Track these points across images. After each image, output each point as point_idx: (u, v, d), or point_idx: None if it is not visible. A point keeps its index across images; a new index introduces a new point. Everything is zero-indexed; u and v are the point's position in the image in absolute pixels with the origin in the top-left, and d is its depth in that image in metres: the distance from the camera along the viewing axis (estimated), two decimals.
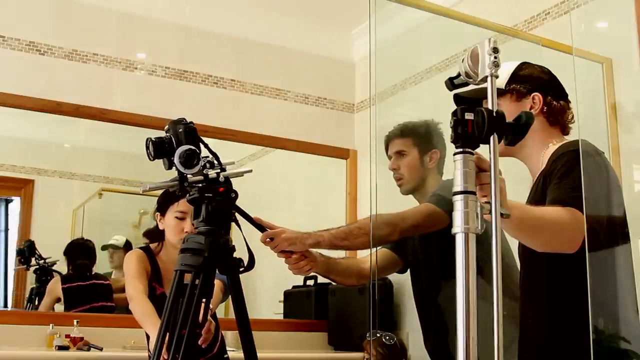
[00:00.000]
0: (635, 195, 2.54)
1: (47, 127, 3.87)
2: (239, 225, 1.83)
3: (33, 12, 3.66)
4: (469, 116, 1.16)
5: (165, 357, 1.70)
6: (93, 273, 3.72)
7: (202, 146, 1.75)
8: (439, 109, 2.25)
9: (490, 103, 1.19)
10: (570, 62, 1.97)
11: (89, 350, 3.12)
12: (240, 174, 1.82)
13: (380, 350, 3.15)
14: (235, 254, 1.79)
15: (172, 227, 2.41)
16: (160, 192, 2.47)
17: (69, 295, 3.60)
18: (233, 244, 1.79)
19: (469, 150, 1.16)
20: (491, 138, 1.17)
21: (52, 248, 3.74)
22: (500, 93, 1.77)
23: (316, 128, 4.30)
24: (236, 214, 1.83)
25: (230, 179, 1.78)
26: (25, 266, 3.67)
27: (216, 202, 1.74)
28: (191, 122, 1.77)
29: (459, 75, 1.33)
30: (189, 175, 1.74)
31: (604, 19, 2.85)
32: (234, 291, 1.77)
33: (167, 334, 1.72)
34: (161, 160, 1.78)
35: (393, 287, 3.69)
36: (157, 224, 2.50)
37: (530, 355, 1.71)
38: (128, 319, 3.53)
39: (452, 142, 1.18)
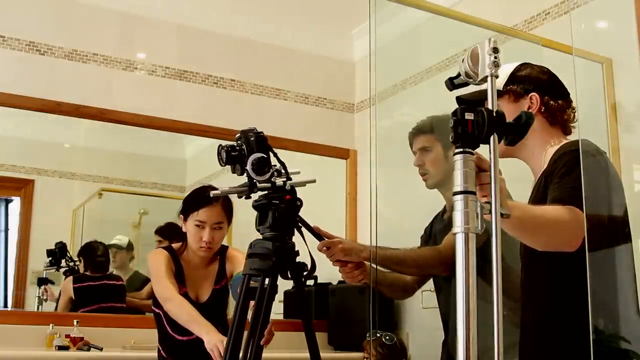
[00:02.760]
0: (635, 195, 2.54)
1: (47, 127, 3.87)
2: (301, 232, 1.89)
3: (33, 12, 3.66)
4: (469, 116, 1.16)
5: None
6: (107, 273, 3.76)
7: (271, 155, 1.83)
8: (439, 109, 2.25)
9: (490, 103, 1.19)
10: (570, 62, 1.97)
11: (89, 350, 3.13)
12: (303, 184, 1.88)
13: (380, 350, 3.15)
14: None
15: (191, 234, 2.45)
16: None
17: (79, 295, 3.63)
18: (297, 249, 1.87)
19: (469, 150, 1.16)
20: (491, 138, 1.17)
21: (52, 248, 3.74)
22: (498, 94, 1.77)
23: (316, 128, 4.30)
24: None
25: (295, 188, 1.85)
26: (55, 267, 3.70)
27: (282, 209, 1.81)
28: (261, 132, 1.84)
29: (459, 75, 1.33)
30: (256, 182, 1.81)
31: (604, 19, 2.85)
32: (299, 294, 1.87)
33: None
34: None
35: None
36: (181, 225, 2.53)
37: (530, 355, 1.71)
38: (128, 319, 3.56)
39: (452, 142, 1.17)
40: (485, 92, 1.21)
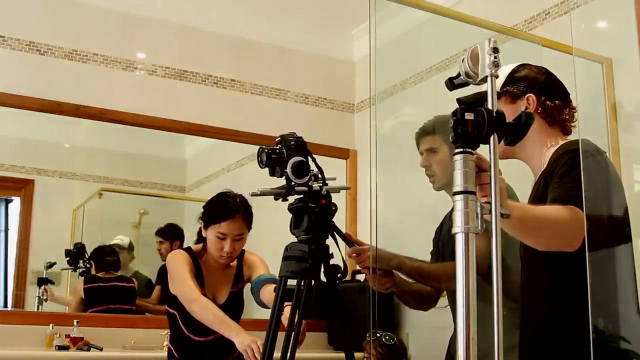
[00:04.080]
0: (635, 195, 2.54)
1: (47, 127, 3.86)
2: (334, 237, 1.93)
3: (33, 12, 3.66)
4: (469, 116, 1.16)
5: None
6: (119, 275, 3.79)
7: (309, 159, 1.88)
8: (440, 109, 2.25)
9: (490, 103, 1.19)
10: (570, 62, 1.97)
11: (89, 350, 3.13)
12: (338, 190, 1.94)
13: (380, 350, 3.15)
14: None
15: (212, 243, 2.47)
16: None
17: (89, 295, 3.66)
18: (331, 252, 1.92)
19: (469, 150, 1.16)
20: (491, 138, 1.17)
21: (52, 248, 3.74)
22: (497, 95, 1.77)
23: (316, 128, 4.30)
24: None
25: (331, 193, 1.90)
26: (72, 267, 3.74)
27: (318, 213, 1.86)
28: (301, 137, 1.90)
29: (459, 75, 1.33)
30: (295, 185, 1.86)
31: (604, 19, 2.85)
32: (333, 295, 1.91)
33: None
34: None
35: None
36: (200, 230, 2.55)
37: (530, 355, 1.71)
38: (128, 319, 3.56)
39: (452, 142, 1.18)
40: (484, 94, 1.21)
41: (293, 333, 1.82)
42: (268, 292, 2.39)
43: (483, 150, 1.19)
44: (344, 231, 2.00)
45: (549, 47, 2.63)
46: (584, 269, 1.53)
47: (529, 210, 1.51)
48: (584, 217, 1.51)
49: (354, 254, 2.03)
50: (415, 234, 2.83)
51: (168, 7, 3.97)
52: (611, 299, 1.66)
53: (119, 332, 3.41)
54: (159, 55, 3.95)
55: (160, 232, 3.98)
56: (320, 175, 1.89)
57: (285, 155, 1.86)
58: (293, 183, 1.85)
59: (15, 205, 3.84)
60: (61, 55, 3.67)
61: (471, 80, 1.29)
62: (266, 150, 1.87)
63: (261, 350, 2.01)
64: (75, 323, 3.22)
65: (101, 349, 3.16)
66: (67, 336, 3.16)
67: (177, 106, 3.92)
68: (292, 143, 1.87)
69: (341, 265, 1.92)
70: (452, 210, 2.45)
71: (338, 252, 1.95)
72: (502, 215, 1.16)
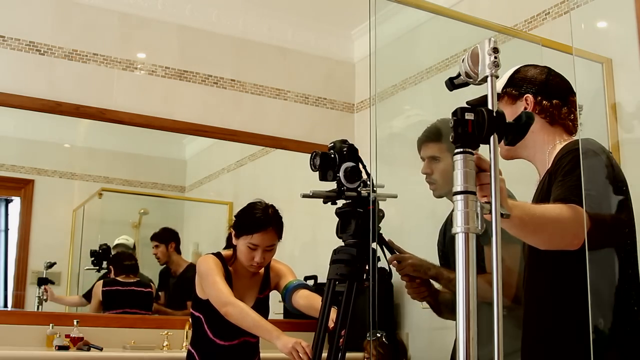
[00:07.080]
0: (635, 195, 2.54)
1: (47, 127, 3.86)
2: (379, 243, 1.96)
3: (33, 12, 3.66)
4: (469, 116, 1.16)
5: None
6: (137, 279, 3.83)
7: (360, 166, 1.93)
8: (439, 109, 2.25)
9: (490, 103, 1.19)
10: (570, 62, 1.97)
11: (89, 350, 3.13)
12: (385, 197, 1.96)
13: (380, 350, 3.15)
14: None
15: (243, 253, 2.49)
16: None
17: (106, 298, 3.70)
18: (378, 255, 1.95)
19: (469, 150, 1.16)
20: (491, 138, 1.17)
21: (52, 248, 3.74)
22: (498, 97, 1.77)
23: (316, 128, 4.30)
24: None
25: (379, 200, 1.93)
26: (97, 268, 3.79)
27: (365, 219, 1.89)
28: (352, 144, 1.96)
29: (459, 75, 1.33)
30: (345, 189, 1.90)
31: (604, 19, 2.85)
32: (385, 297, 1.92)
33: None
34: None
35: (393, 287, 3.68)
36: (230, 237, 2.57)
37: (532, 354, 1.71)
38: (128, 319, 3.56)
39: (452, 142, 1.17)
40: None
41: (340, 334, 1.86)
42: (300, 298, 2.46)
43: (483, 150, 1.19)
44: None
45: (549, 47, 2.62)
46: (585, 268, 1.53)
47: (530, 210, 1.50)
48: (585, 216, 1.50)
49: (395, 261, 2.04)
50: (415, 234, 2.82)
51: (168, 7, 3.98)
52: (612, 299, 1.65)
53: (119, 332, 3.41)
54: (159, 55, 3.95)
55: (155, 237, 4.00)
56: (369, 182, 1.93)
57: (338, 160, 1.90)
58: (344, 187, 1.89)
59: (15, 205, 3.84)
60: (61, 55, 3.67)
61: (471, 80, 1.29)
62: (320, 155, 1.92)
63: (307, 352, 2.07)
64: (75, 323, 3.22)
65: (101, 349, 3.16)
66: (67, 336, 3.16)
67: (177, 106, 3.92)
68: (345, 149, 1.92)
69: (387, 268, 1.96)
70: (452, 213, 2.46)
71: (383, 257, 1.98)
72: (502, 215, 1.16)
